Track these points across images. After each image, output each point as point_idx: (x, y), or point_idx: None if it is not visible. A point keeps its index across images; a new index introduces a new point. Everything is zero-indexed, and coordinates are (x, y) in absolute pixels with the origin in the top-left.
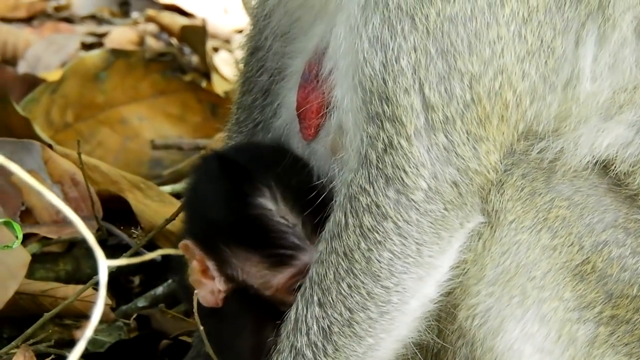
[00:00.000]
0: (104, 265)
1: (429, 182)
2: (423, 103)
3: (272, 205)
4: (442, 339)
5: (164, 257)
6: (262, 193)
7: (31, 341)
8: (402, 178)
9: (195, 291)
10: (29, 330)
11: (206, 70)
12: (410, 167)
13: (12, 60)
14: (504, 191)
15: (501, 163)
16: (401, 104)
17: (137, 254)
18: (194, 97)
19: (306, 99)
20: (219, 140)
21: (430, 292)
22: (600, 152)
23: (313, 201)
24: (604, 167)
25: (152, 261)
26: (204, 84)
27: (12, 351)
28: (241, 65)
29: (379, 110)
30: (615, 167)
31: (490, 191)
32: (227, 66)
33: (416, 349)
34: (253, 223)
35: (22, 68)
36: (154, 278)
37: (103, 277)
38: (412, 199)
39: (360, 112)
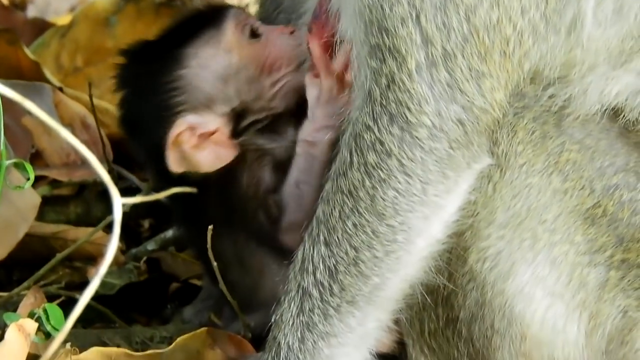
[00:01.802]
0: (119, 203)
1: (433, 120)
2: (422, 36)
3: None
4: (452, 282)
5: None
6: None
7: (41, 283)
8: (405, 115)
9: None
10: (40, 272)
11: None
12: (413, 103)
13: (22, 5)
14: (515, 134)
15: (509, 103)
16: (399, 35)
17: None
18: None
19: (316, 36)
20: None
21: (436, 232)
22: (609, 100)
23: None
24: (614, 115)
25: (161, 205)
26: None
27: (23, 292)
28: (257, 6)
29: (379, 42)
30: (624, 114)
31: (498, 133)
32: None
33: (426, 292)
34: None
35: (31, 12)
36: (164, 222)
37: (118, 215)
38: (416, 137)
39: (363, 45)
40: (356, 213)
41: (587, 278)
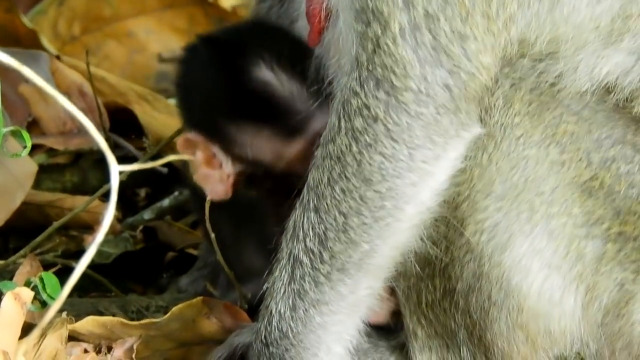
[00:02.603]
0: (116, 170)
1: (419, 84)
2: None
3: (271, 75)
4: (449, 253)
5: (170, 170)
6: (258, 65)
7: (38, 251)
8: (391, 79)
9: (207, 186)
10: (38, 239)
11: None
12: (398, 67)
13: None
14: (511, 105)
15: (501, 71)
16: None
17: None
18: (201, 11)
19: (311, 4)
20: None
21: (426, 199)
22: (599, 78)
23: (308, 71)
24: (605, 92)
25: (158, 174)
26: None
27: (19, 261)
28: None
29: (363, 5)
30: (615, 93)
31: (493, 103)
32: None
33: (423, 263)
34: (257, 95)
35: None
36: (160, 191)
37: (115, 183)
38: (401, 101)
39: (350, 9)
40: (344, 178)
41: (584, 250)
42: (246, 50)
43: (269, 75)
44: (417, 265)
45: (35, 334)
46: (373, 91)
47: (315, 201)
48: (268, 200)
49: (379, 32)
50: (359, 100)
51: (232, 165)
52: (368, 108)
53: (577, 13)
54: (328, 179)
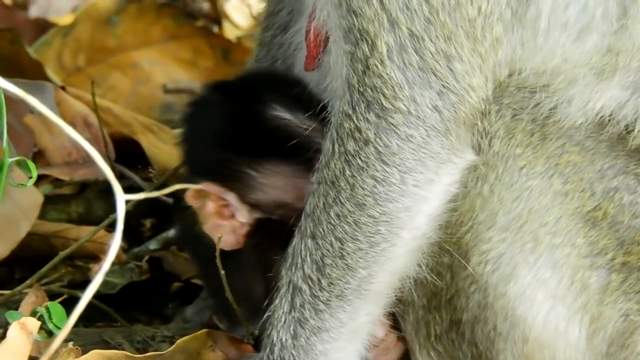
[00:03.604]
0: (122, 199)
1: (408, 106)
2: (388, 18)
3: (288, 114)
4: (454, 284)
5: (176, 200)
6: (273, 106)
7: (44, 281)
8: (380, 101)
9: (218, 235)
10: (43, 270)
11: (217, 17)
12: (387, 89)
13: (24, 5)
14: (513, 136)
15: (489, 92)
16: (367, 16)
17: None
18: (205, 42)
19: (309, 29)
20: None
21: (421, 224)
22: (594, 112)
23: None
24: (600, 126)
25: (163, 204)
26: (215, 29)
27: (25, 291)
28: (262, 3)
29: (350, 25)
30: (611, 127)
31: (494, 133)
32: (238, 13)
33: (429, 294)
34: (276, 135)
35: (33, 12)
36: (166, 222)
37: (121, 211)
38: (391, 123)
39: (339, 29)
40: (338, 203)
41: (589, 281)
42: (259, 93)
43: (286, 115)
44: (423, 298)
45: None
46: (364, 113)
47: (312, 227)
48: (274, 241)
49: (368, 52)
50: (351, 123)
51: (248, 214)
52: (360, 131)
53: (564, 47)
54: (324, 204)
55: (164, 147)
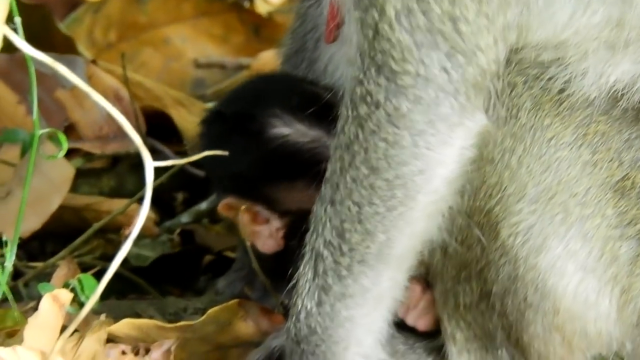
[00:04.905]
0: (151, 166)
1: (417, 68)
2: None
3: (288, 130)
4: (484, 256)
5: (207, 173)
6: (272, 124)
7: (76, 253)
8: (390, 65)
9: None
10: (76, 242)
11: None
12: (396, 52)
13: None
14: (540, 107)
15: (500, 54)
16: None
17: (182, 169)
18: (236, 18)
19: (330, 2)
20: (262, 59)
21: (438, 188)
22: (608, 86)
23: (328, 111)
24: (614, 100)
25: (195, 178)
26: (246, 5)
27: (57, 263)
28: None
29: None
30: (624, 101)
31: (520, 104)
32: None
33: (459, 266)
34: (279, 155)
35: None
36: (197, 195)
37: (149, 179)
38: (401, 85)
39: None
40: (354, 167)
41: (619, 252)
42: (257, 113)
43: (286, 131)
44: (452, 269)
45: (68, 332)
46: (375, 78)
47: (331, 193)
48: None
49: (377, 17)
50: (363, 88)
51: (279, 219)
52: (371, 95)
53: (577, 21)
54: (340, 169)
55: (195, 121)
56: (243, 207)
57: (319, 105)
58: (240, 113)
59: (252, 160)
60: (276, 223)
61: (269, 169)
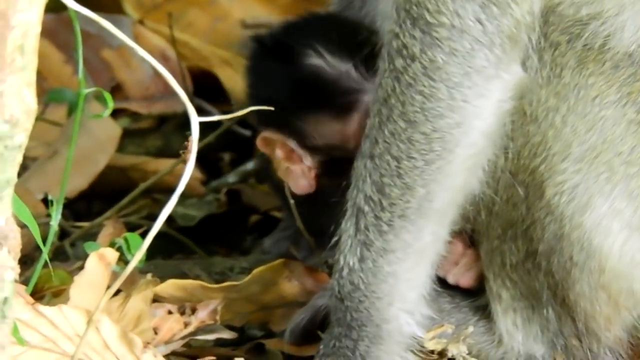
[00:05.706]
0: (196, 121)
1: (452, 19)
2: None
3: (319, 61)
4: (530, 215)
5: (254, 132)
6: (306, 54)
7: (122, 213)
8: (425, 17)
9: (292, 180)
10: (122, 202)
11: None
12: (431, 4)
13: None
14: (584, 66)
15: (536, 6)
16: None
17: (228, 129)
18: None
19: None
20: None
21: (476, 141)
22: None
23: (362, 47)
24: None
25: (241, 138)
26: None
27: (103, 223)
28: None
29: None
30: None
31: (565, 63)
32: None
33: (505, 225)
34: (307, 83)
35: None
36: (244, 155)
37: (195, 134)
38: (435, 37)
39: None
40: (392, 120)
41: None
42: (294, 42)
43: (318, 61)
44: (498, 228)
45: (113, 289)
46: (410, 30)
47: (370, 147)
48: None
49: None
50: (399, 41)
51: (311, 158)
52: (406, 47)
53: None
54: (379, 122)
55: (242, 81)
56: (278, 142)
57: (357, 41)
58: (279, 42)
59: (284, 88)
60: (308, 162)
61: (298, 97)
